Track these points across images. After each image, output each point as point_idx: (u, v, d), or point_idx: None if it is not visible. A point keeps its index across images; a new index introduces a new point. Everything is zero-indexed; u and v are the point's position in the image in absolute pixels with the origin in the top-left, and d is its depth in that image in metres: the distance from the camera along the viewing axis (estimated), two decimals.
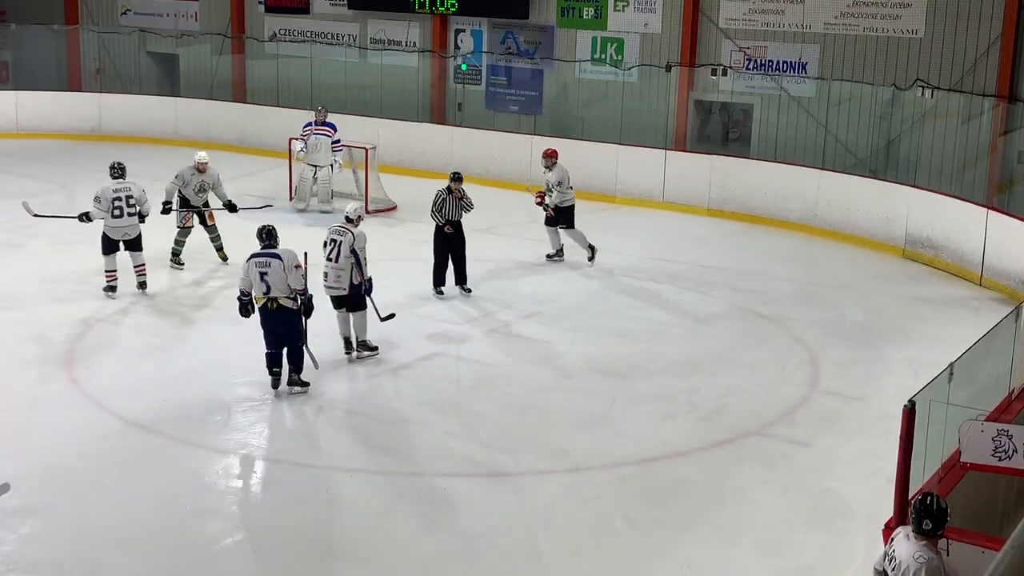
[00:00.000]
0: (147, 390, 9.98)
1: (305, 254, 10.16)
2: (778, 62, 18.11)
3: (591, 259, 14.26)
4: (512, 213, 16.34)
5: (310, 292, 10.08)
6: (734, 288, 13.67)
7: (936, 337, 11.92)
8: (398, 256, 14.62)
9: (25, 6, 24.00)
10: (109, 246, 12.43)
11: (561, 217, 14.24)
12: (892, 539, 5.56)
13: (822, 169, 16.79)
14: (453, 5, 20.57)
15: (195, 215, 13.66)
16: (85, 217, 12.58)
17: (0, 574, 7.19)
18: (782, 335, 12.09)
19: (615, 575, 7.47)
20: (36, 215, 13.22)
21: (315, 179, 16.87)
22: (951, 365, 6.91)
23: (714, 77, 18.55)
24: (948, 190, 15.27)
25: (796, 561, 7.64)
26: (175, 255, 13.63)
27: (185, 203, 13.54)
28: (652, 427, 9.71)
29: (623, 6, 19.36)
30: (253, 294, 10.01)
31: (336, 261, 10.68)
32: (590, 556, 7.66)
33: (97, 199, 12.37)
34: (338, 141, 16.96)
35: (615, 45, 19.57)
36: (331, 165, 16.90)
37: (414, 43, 21.49)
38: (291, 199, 17.14)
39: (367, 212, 16.75)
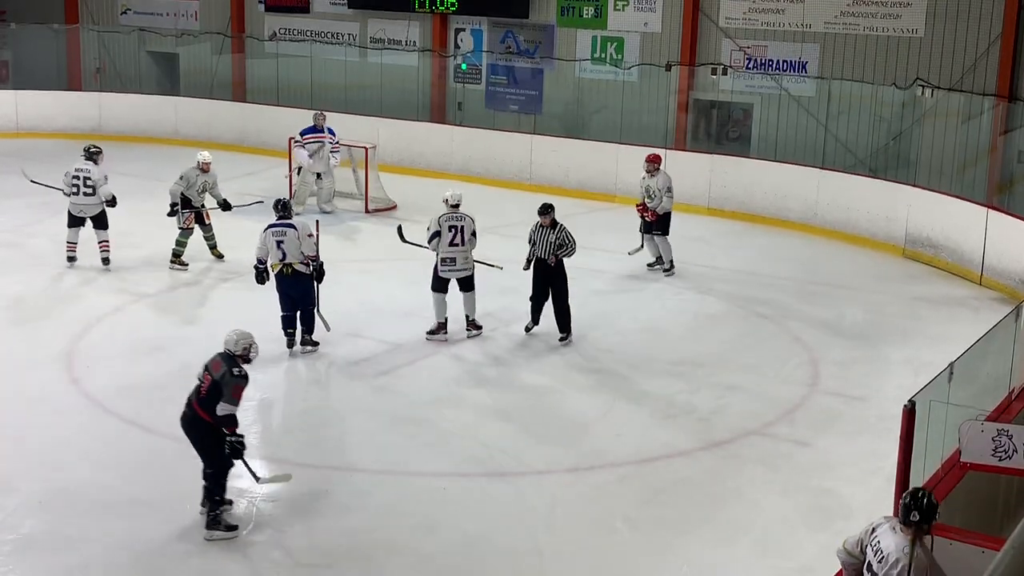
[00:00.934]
0: (147, 390, 9.98)
1: (317, 222, 11.19)
2: (778, 61, 18.11)
3: (668, 272, 14.02)
4: (512, 213, 16.33)
5: (321, 259, 10.87)
6: (734, 288, 13.67)
7: (936, 337, 11.92)
8: (398, 256, 14.61)
9: (25, 6, 23.99)
10: (71, 220, 13.36)
11: (657, 224, 14.00)
12: (874, 528, 5.53)
13: (822, 169, 16.79)
14: (453, 4, 20.57)
15: (195, 215, 13.66)
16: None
17: (0, 574, 7.20)
18: (782, 335, 12.09)
19: (615, 575, 7.48)
20: (32, 181, 14.11)
21: (318, 185, 16.77)
22: (951, 365, 6.91)
23: (714, 76, 18.55)
24: (948, 190, 15.26)
25: (796, 561, 7.64)
26: (177, 256, 13.60)
27: (186, 203, 13.54)
28: (652, 427, 9.71)
29: (623, 5, 19.36)
30: (269, 262, 10.87)
31: (462, 244, 11.37)
32: (590, 556, 7.66)
33: (65, 175, 13.37)
34: (337, 142, 16.92)
35: (615, 44, 19.57)
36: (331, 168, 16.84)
37: (414, 42, 21.49)
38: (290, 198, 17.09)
39: (367, 212, 16.80)
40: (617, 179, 18.12)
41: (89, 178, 13.16)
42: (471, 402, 10.25)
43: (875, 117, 17.25)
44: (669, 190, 13.93)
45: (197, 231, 13.70)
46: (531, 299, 11.64)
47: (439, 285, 11.46)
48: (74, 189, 13.22)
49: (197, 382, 7.68)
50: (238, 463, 7.67)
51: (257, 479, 7.86)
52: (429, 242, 11.38)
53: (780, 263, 14.95)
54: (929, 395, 6.66)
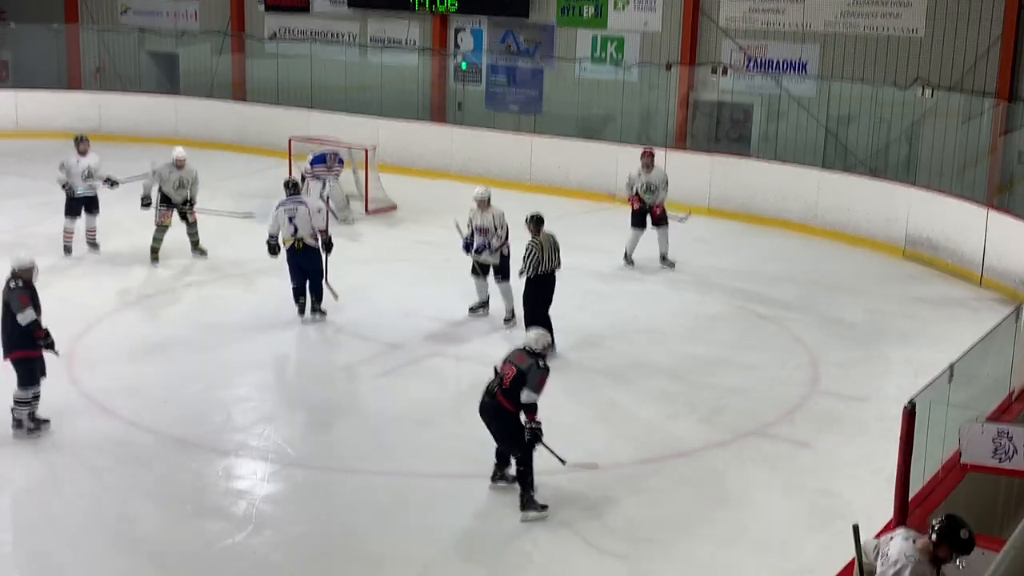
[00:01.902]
0: (147, 390, 9.98)
1: (327, 198, 12.11)
2: (778, 61, 18.12)
3: (668, 263, 14.19)
4: (512, 213, 16.31)
5: (329, 233, 11.63)
6: (734, 288, 13.67)
7: (936, 337, 11.92)
8: (398, 256, 14.63)
9: (25, 5, 23.99)
10: (75, 210, 13.85)
11: (661, 217, 14.16)
12: (891, 536, 5.53)
13: (822, 169, 16.79)
14: (453, 4, 20.57)
15: (175, 213, 13.69)
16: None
17: (0, 574, 7.20)
18: (782, 335, 12.09)
19: (615, 575, 7.48)
20: (114, 184, 13.97)
21: (326, 196, 16.40)
22: (951, 366, 6.91)
23: (714, 76, 18.55)
24: (948, 190, 15.26)
25: (796, 561, 7.65)
26: (153, 252, 13.68)
27: (165, 200, 13.57)
28: (652, 427, 9.71)
29: (623, 5, 19.35)
30: (281, 236, 11.64)
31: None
32: (590, 556, 7.66)
33: (69, 171, 13.76)
34: (339, 161, 16.35)
35: (615, 44, 19.57)
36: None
37: (414, 42, 21.49)
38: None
39: (367, 212, 16.77)
40: (617, 179, 18.04)
41: (93, 168, 13.73)
42: (471, 402, 10.22)
43: (875, 117, 17.24)
44: (666, 184, 14.14)
45: (177, 229, 13.68)
46: (537, 319, 10.80)
47: (475, 269, 11.97)
48: (88, 182, 13.71)
49: (497, 374, 8.14)
50: (540, 448, 8.13)
51: (563, 462, 8.23)
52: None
53: (780, 264, 14.95)
54: (929, 396, 6.66)
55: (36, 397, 8.95)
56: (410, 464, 8.89)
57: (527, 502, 8.10)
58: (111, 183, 13.88)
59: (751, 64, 18.31)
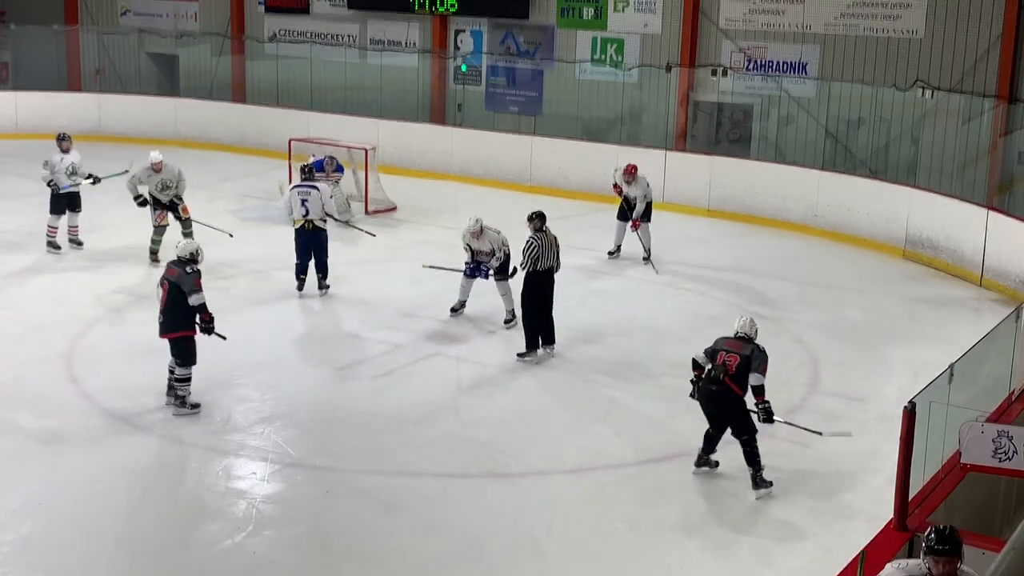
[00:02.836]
0: (147, 390, 9.97)
1: (336, 182, 12.83)
2: (778, 62, 18.12)
3: (648, 260, 14.32)
4: (512, 214, 16.30)
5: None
6: (734, 288, 13.67)
7: (936, 338, 11.92)
8: (398, 257, 14.63)
9: (25, 6, 24.00)
10: (60, 207, 14.10)
11: (643, 215, 14.38)
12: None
13: (822, 169, 16.80)
14: (453, 5, 20.58)
15: (168, 212, 13.71)
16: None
17: (1, 574, 7.19)
18: (782, 335, 12.08)
19: (615, 575, 7.48)
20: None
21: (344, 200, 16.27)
22: (951, 366, 6.91)
23: (714, 77, 18.55)
24: (948, 190, 15.27)
25: (796, 562, 7.64)
26: (153, 253, 13.72)
27: (156, 202, 13.62)
28: (652, 427, 9.71)
29: (623, 6, 19.36)
30: (292, 217, 12.70)
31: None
32: (590, 556, 7.66)
33: (53, 168, 13.98)
34: (340, 170, 16.32)
35: (615, 45, 19.57)
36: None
37: (414, 43, 21.50)
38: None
39: (366, 213, 16.76)
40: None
41: (76, 164, 14.04)
42: (471, 402, 10.25)
43: (875, 118, 17.25)
44: (646, 196, 14.35)
45: (176, 227, 13.72)
46: (533, 321, 11.03)
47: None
48: (73, 179, 13.96)
49: (719, 361, 8.43)
50: (785, 426, 8.75)
51: (820, 434, 8.81)
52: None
53: (780, 264, 14.95)
54: (929, 396, 6.66)
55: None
56: (410, 464, 8.89)
57: (759, 480, 8.41)
58: (93, 179, 14.15)
59: (751, 65, 18.32)
